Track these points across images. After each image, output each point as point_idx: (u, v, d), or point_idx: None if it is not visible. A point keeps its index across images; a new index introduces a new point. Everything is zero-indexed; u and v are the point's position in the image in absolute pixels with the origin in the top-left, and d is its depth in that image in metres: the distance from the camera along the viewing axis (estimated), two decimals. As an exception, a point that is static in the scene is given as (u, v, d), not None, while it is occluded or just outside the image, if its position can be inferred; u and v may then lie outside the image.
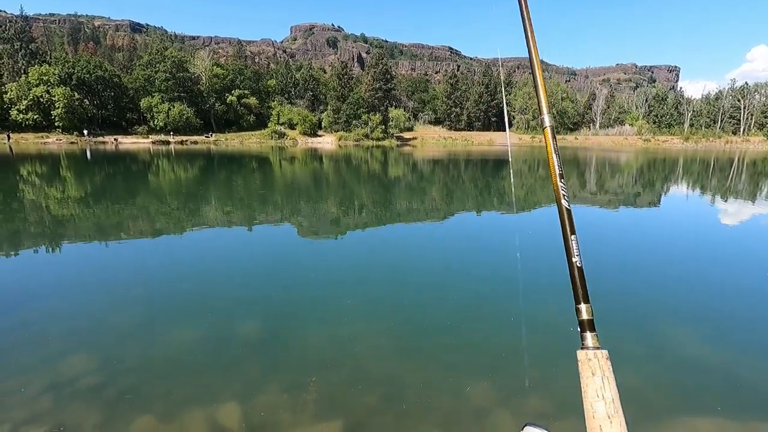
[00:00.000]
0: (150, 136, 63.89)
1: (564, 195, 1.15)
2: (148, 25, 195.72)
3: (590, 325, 1.07)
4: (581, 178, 22.99)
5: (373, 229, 10.53)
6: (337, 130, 75.47)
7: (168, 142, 60.60)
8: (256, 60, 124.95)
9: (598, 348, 1.05)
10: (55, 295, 5.84)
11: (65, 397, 3.42)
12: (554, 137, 1.20)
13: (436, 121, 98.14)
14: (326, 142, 71.80)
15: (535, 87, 1.23)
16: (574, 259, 1.11)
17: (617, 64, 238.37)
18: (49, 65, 61.14)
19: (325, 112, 79.32)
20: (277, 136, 70.65)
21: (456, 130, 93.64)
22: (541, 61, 1.46)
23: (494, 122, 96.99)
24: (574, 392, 1.07)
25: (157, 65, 68.02)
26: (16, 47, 63.01)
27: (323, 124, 78.49)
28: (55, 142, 54.93)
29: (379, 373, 3.89)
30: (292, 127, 75.35)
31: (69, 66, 61.80)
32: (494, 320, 5.08)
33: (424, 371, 3.93)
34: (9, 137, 53.26)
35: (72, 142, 55.01)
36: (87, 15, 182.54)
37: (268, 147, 57.63)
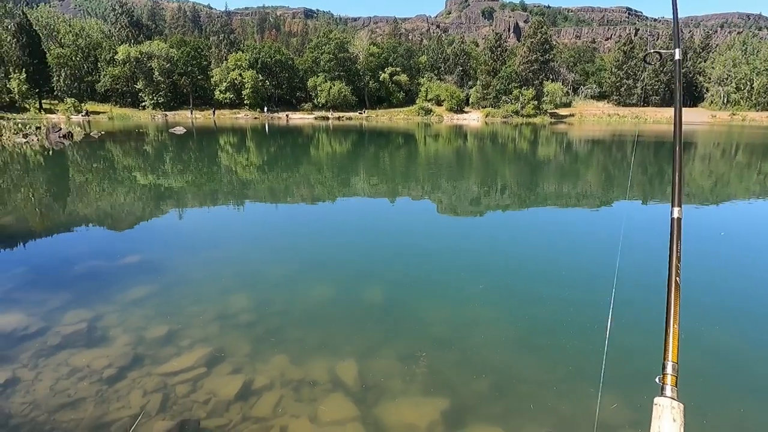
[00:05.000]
0: (313, 112, 71.63)
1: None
2: (318, 10, 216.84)
3: (674, 381, 1.26)
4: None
5: (515, 212, 10.02)
6: (485, 107, 72.56)
7: (327, 118, 67.09)
8: (410, 37, 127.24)
9: (677, 400, 1.22)
10: (229, 243, 7.17)
11: (227, 327, 4.21)
12: None
13: (601, 96, 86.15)
14: (472, 118, 69.90)
15: None
16: (675, 325, 1.32)
17: None
18: (242, 52, 73.05)
19: (474, 88, 76.79)
20: (423, 112, 71.62)
21: (625, 105, 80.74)
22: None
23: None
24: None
25: (323, 47, 75.13)
26: (220, 38, 77.17)
27: (471, 100, 76.28)
28: (244, 117, 66.02)
29: (493, 362, 3.75)
30: (439, 103, 75.36)
31: (256, 52, 72.88)
32: (642, 330, 4.36)
33: (544, 371, 3.64)
34: (214, 113, 66.12)
35: (255, 118, 65.39)
36: (272, 6, 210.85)
37: (414, 123, 59.09)
